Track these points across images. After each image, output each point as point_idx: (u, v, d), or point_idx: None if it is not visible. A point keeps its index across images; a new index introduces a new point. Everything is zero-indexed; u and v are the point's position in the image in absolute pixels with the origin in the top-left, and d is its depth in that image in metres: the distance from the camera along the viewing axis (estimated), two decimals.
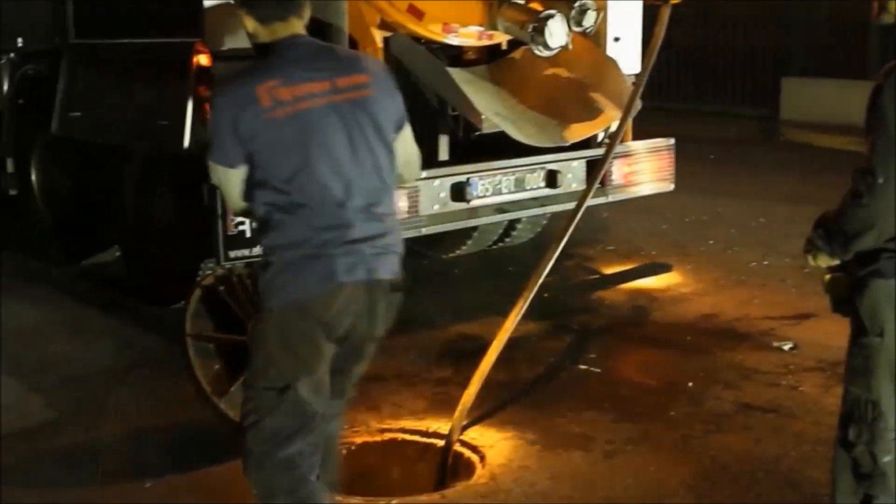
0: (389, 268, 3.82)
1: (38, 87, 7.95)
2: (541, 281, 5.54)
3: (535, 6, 6.60)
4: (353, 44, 6.45)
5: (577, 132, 7.14)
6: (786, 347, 6.64)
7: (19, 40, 8.20)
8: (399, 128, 3.85)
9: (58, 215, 8.38)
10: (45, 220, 8.48)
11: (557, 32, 6.40)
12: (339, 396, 3.99)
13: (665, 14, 5.86)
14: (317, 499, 3.78)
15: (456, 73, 6.78)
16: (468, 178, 6.90)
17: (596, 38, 7.40)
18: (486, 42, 7.11)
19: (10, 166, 8.38)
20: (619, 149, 7.46)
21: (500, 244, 8.69)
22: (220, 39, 6.23)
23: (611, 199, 7.81)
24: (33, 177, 8.34)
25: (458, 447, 5.25)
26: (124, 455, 5.10)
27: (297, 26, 3.78)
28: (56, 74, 7.53)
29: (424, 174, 6.67)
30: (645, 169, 7.97)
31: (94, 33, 7.44)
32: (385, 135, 3.76)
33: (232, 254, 6.05)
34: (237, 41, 6.25)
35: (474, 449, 5.24)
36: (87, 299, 7.76)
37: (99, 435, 5.45)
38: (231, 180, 3.71)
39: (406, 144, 3.92)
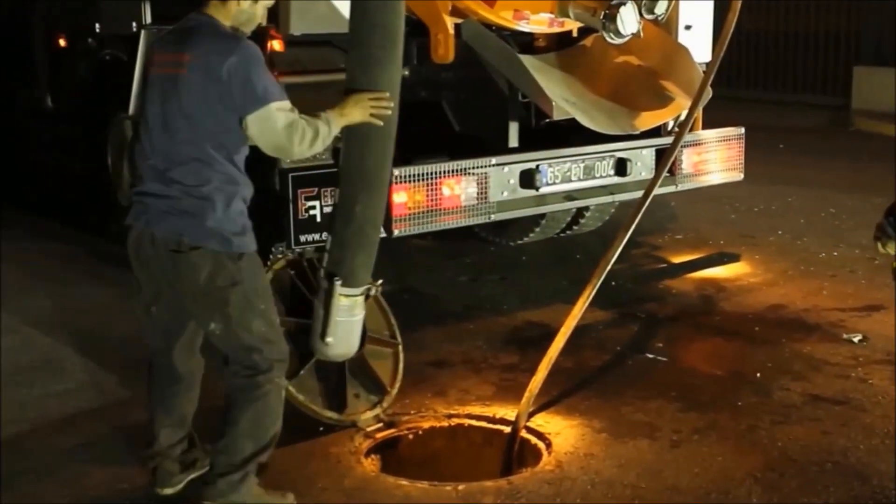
0: (169, 227, 4.23)
1: (115, 71, 8.07)
2: (608, 269, 5.55)
3: None
4: (425, 30, 6.50)
5: (647, 120, 7.12)
6: (855, 339, 6.59)
7: (97, 25, 8.32)
8: (240, 111, 4.15)
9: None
10: (117, 202, 8.58)
11: (629, 20, 6.38)
12: (227, 363, 4.43)
13: (737, 3, 5.83)
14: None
15: (527, 60, 6.78)
16: (538, 166, 6.92)
17: (667, 25, 7.38)
18: (556, 29, 7.10)
19: None
20: (688, 137, 7.46)
21: (568, 232, 8.69)
22: (293, 25, 6.29)
23: (680, 187, 7.80)
24: (109, 159, 8.46)
25: (524, 434, 5.28)
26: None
27: (211, 6, 4.28)
28: (133, 58, 7.62)
29: (494, 160, 6.71)
30: (714, 158, 7.94)
31: (169, 18, 7.52)
32: (192, 113, 4.15)
33: (302, 238, 6.11)
34: (310, 27, 6.31)
35: (541, 436, 5.26)
36: None
37: None
38: None
39: (262, 128, 4.20)
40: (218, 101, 4.15)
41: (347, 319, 4.95)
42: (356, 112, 4.59)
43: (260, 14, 4.41)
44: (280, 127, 4.21)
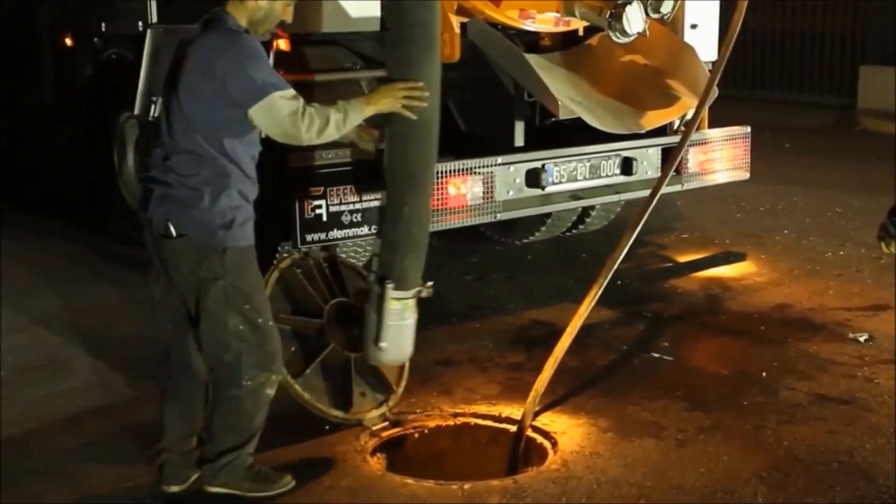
0: (160, 213, 4.34)
1: (121, 71, 8.07)
2: (615, 268, 5.54)
3: None
4: None
5: (653, 119, 7.11)
6: (861, 339, 6.58)
7: (103, 24, 8.33)
8: (243, 105, 4.22)
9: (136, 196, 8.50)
10: (123, 201, 8.60)
11: (635, 19, 6.38)
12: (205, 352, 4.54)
13: (743, 2, 5.82)
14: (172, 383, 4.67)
15: (532, 59, 6.78)
16: (543, 165, 6.90)
17: (673, 24, 7.37)
18: (562, 28, 7.11)
19: None
20: (694, 137, 7.44)
21: (574, 231, 8.68)
22: (299, 25, 6.28)
23: (686, 186, 7.78)
24: (115, 158, 8.47)
25: (530, 433, 5.28)
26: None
27: (230, 4, 4.37)
28: (139, 58, 7.63)
29: (500, 160, 6.70)
30: (720, 157, 7.92)
31: (175, 18, 7.53)
32: (186, 105, 4.26)
33: (308, 237, 6.10)
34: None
35: (546, 435, 5.26)
36: None
37: None
38: None
39: (268, 117, 4.27)
40: (211, 96, 4.21)
41: (399, 323, 4.94)
42: (385, 101, 4.58)
43: (279, 12, 4.42)
44: (285, 114, 4.25)
